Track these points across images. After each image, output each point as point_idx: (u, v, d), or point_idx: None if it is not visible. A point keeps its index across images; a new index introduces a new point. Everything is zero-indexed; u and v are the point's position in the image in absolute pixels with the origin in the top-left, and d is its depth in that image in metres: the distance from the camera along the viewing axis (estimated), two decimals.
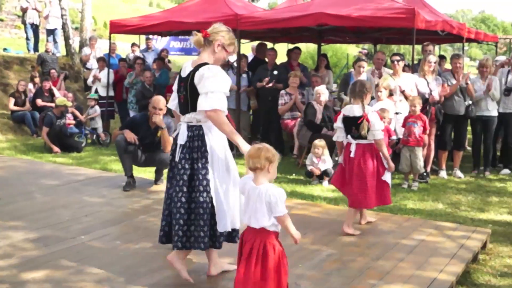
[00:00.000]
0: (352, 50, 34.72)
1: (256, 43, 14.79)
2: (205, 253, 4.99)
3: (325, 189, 8.98)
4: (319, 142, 9.37)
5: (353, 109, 6.31)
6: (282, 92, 11.18)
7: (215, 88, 4.56)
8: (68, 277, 4.92)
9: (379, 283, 4.91)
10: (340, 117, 6.46)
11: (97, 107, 13.41)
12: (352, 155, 6.31)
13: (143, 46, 17.68)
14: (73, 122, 12.67)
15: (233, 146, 5.04)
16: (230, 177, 4.85)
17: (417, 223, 6.84)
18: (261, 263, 3.94)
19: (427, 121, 9.22)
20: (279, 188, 4.05)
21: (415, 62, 11.42)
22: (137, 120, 8.52)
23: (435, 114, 9.83)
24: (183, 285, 4.80)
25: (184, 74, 4.77)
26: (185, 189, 4.67)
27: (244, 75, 12.16)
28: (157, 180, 8.68)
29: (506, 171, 10.62)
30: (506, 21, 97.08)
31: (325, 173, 9.21)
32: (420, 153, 9.16)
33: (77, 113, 12.98)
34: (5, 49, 19.24)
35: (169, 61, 16.22)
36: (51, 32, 19.35)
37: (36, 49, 19.36)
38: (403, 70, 10.04)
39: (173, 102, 5.01)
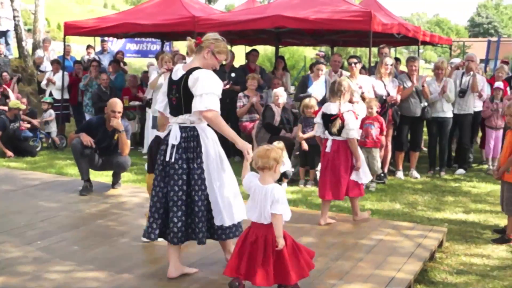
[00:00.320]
0: (310, 52, 34.90)
1: None
2: (220, 245, 5.30)
3: (285, 191, 8.98)
4: (278, 144, 9.35)
5: (330, 107, 6.73)
6: (240, 94, 11.17)
7: (210, 90, 4.73)
8: (25, 283, 4.82)
9: (338, 283, 4.94)
10: (319, 113, 6.89)
11: (51, 111, 13.17)
12: (327, 150, 6.77)
13: (98, 48, 17.49)
14: (28, 125, 12.45)
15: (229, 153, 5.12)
16: (225, 174, 5.04)
17: (375, 223, 6.90)
18: (273, 253, 4.39)
19: (384, 123, 9.32)
20: (281, 189, 4.50)
21: (372, 64, 11.54)
22: (93, 123, 8.40)
23: (392, 115, 9.95)
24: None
25: (175, 77, 4.91)
26: (185, 188, 4.86)
27: None
28: (114, 184, 8.57)
29: (461, 171, 10.80)
30: (459, 24, 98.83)
31: (284, 175, 9.20)
32: (377, 154, 9.25)
33: (29, 119, 12.67)
34: None
35: (124, 64, 16.05)
36: (3, 34, 19.02)
37: None
38: (360, 73, 10.13)
39: (162, 104, 5.11)
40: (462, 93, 10.67)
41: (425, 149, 11.91)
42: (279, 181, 9.27)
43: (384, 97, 9.81)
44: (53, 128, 13.19)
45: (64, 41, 14.46)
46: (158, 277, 5.03)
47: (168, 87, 5.00)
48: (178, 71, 4.94)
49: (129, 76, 14.14)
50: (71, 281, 4.88)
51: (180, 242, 4.93)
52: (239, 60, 13.30)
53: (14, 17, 18.86)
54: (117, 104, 7.99)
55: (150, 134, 11.75)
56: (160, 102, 5.16)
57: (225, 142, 5.37)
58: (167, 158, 4.90)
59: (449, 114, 10.38)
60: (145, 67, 16.86)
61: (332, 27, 11.19)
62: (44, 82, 13.96)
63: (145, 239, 5.61)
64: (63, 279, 4.92)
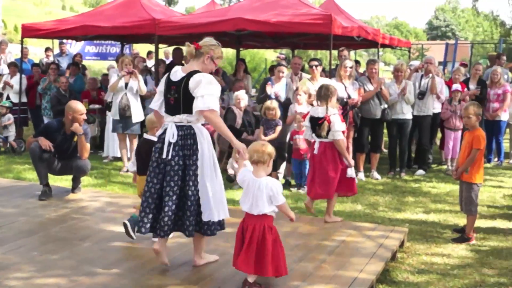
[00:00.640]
0: (270, 55, 35.03)
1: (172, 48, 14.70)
2: (192, 241, 5.37)
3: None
4: None
5: (317, 111, 6.99)
6: None
7: (211, 92, 4.98)
8: None
9: (302, 284, 4.95)
10: (307, 117, 7.16)
11: (10, 115, 12.91)
12: (315, 151, 7.01)
13: (56, 50, 17.26)
14: None
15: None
16: (216, 172, 5.25)
17: (338, 224, 6.93)
18: (261, 243, 4.69)
19: (345, 125, 9.37)
20: (277, 181, 4.86)
21: (333, 67, 11.62)
22: (52, 126, 8.25)
23: (352, 117, 10.02)
24: None
25: (175, 78, 5.13)
26: (179, 183, 5.06)
27: None
28: (74, 188, 8.43)
29: (420, 172, 10.94)
30: (418, 27, 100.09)
31: None
32: None
33: None
34: None
35: (84, 67, 15.85)
36: None
37: None
38: (320, 75, 10.19)
39: (157, 103, 5.32)
40: (421, 95, 10.81)
41: (385, 150, 12.04)
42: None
43: (345, 99, 9.88)
44: (11, 132, 12.93)
45: (22, 44, 14.21)
46: (121, 281, 4.98)
47: (167, 87, 5.18)
48: (177, 73, 5.15)
49: (88, 79, 13.97)
50: None
51: (166, 235, 5.11)
52: None
53: None
54: (79, 105, 7.95)
55: (110, 138, 11.65)
56: (155, 101, 5.35)
57: None
58: (164, 156, 5.07)
59: (409, 116, 10.51)
60: (104, 69, 16.73)
61: (293, 30, 11.23)
62: (0, 86, 13.70)
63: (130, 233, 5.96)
64: (23, 286, 4.82)
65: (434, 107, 11.12)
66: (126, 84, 10.47)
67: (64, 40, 16.67)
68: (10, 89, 13.35)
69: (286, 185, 9.47)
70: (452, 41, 31.43)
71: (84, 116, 8.02)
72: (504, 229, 7.41)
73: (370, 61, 10.69)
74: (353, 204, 8.48)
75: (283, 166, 9.69)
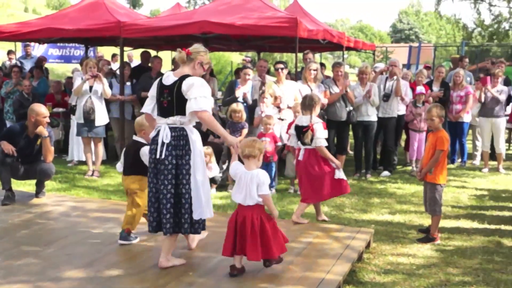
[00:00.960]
0: (236, 58, 35.05)
1: (139, 51, 14.59)
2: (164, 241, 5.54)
3: (213, 196, 8.96)
4: (206, 150, 9.32)
5: (302, 119, 7.25)
6: None
7: (203, 94, 5.28)
8: None
9: (269, 286, 4.96)
10: (293, 126, 7.42)
11: None
12: (300, 158, 7.25)
13: (19, 53, 17.02)
14: None
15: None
16: (205, 172, 5.54)
17: (304, 226, 6.96)
18: (262, 231, 5.08)
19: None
20: (266, 173, 5.23)
21: (298, 69, 11.66)
22: (15, 130, 8.13)
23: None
24: None
25: (167, 82, 5.40)
26: (173, 182, 5.31)
27: (128, 83, 11.95)
28: (38, 193, 8.32)
29: (386, 173, 11.04)
30: (382, 30, 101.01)
31: (212, 180, 9.18)
32: None
33: None
34: None
35: (46, 70, 15.66)
36: None
37: None
38: (286, 78, 10.23)
39: (149, 106, 5.58)
40: (386, 97, 10.92)
41: (351, 152, 12.12)
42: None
43: None
44: None
45: None
46: (87, 285, 4.94)
47: (159, 91, 5.44)
48: (170, 77, 5.43)
49: (52, 82, 13.81)
50: None
51: (169, 232, 5.34)
52: (166, 66, 13.20)
53: None
54: (43, 108, 7.87)
55: (74, 142, 11.53)
56: (147, 105, 5.60)
57: None
58: (158, 156, 5.32)
59: (374, 118, 10.61)
60: (68, 72, 16.55)
61: (259, 33, 11.26)
62: None
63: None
64: None
65: (398, 109, 11.24)
66: (91, 87, 10.40)
67: (28, 43, 16.46)
68: None
69: None
70: (415, 44, 31.83)
71: (48, 119, 7.94)
72: (468, 228, 7.51)
73: (336, 64, 10.77)
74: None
75: None
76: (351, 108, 10.34)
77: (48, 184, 8.86)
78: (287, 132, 9.27)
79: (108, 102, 11.01)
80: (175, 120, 5.34)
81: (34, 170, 8.11)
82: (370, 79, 10.71)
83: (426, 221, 7.58)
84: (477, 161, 12.46)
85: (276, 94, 9.63)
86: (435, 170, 6.82)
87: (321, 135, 7.11)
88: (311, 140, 7.11)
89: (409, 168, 11.60)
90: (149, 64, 12.86)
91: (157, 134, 5.39)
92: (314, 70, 10.14)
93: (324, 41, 12.31)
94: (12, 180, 8.09)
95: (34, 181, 8.38)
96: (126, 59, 14.76)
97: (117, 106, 11.70)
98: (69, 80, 13.38)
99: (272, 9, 11.66)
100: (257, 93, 10.21)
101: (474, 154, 12.64)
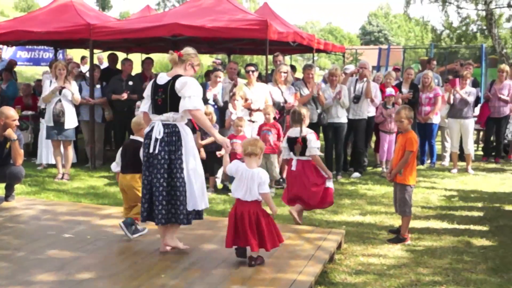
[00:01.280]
0: (206, 60, 34.96)
1: (107, 53, 14.51)
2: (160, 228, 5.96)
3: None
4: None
5: (294, 132, 7.38)
6: (138, 103, 11.01)
7: (196, 93, 5.70)
8: None
9: None
10: (285, 138, 7.58)
11: None
12: (293, 168, 7.35)
13: None
14: None
15: None
16: (198, 166, 5.92)
17: None
18: (256, 224, 5.44)
19: (281, 129, 9.47)
20: (266, 172, 5.56)
21: (269, 72, 11.70)
22: None
23: (289, 122, 10.10)
24: None
25: (161, 82, 5.82)
26: (166, 176, 5.69)
27: (98, 86, 11.88)
28: (7, 196, 8.22)
29: (356, 174, 11.13)
30: (351, 32, 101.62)
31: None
32: (275, 160, 9.38)
33: None
34: None
35: (15, 72, 15.48)
36: None
37: None
38: (257, 80, 10.25)
39: (146, 105, 5.97)
40: (356, 99, 11.01)
41: (321, 154, 12.17)
42: None
43: (281, 104, 9.97)
44: None
45: None
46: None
47: (154, 90, 5.84)
48: (163, 78, 5.86)
49: (22, 85, 13.66)
50: None
51: (160, 223, 5.75)
52: (136, 69, 13.13)
53: None
54: (12, 111, 7.79)
55: (44, 145, 11.43)
56: (144, 104, 6.00)
57: None
58: (151, 150, 5.70)
59: (344, 120, 10.68)
60: (37, 75, 16.39)
61: (229, 35, 11.26)
62: None
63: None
64: None
65: (368, 110, 11.34)
66: (60, 91, 10.33)
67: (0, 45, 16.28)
68: None
69: (224, 190, 9.49)
70: (385, 46, 32.07)
71: (17, 122, 7.88)
72: (437, 229, 7.60)
73: (306, 66, 10.83)
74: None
75: (221, 171, 9.69)
76: (322, 110, 10.40)
77: (18, 187, 8.76)
78: (257, 134, 9.32)
79: (78, 105, 10.93)
80: (168, 116, 5.72)
81: (4, 174, 8.02)
82: (340, 81, 10.78)
83: (397, 221, 7.66)
84: (446, 162, 12.62)
85: (246, 96, 9.65)
86: (405, 171, 6.88)
87: (314, 144, 7.25)
88: (301, 151, 7.25)
89: (379, 169, 11.70)
90: (117, 66, 12.84)
91: (151, 130, 5.76)
92: (285, 72, 10.17)
93: (294, 43, 12.36)
94: None
95: (3, 185, 8.29)
96: (96, 61, 14.69)
97: (87, 109, 11.62)
98: (39, 83, 13.27)
99: (242, 12, 11.69)
100: (227, 95, 10.22)
101: (443, 155, 12.80)
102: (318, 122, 10.37)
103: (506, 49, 24.41)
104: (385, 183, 10.24)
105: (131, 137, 6.68)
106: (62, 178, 10.43)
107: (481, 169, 12.25)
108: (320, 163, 7.32)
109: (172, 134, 5.72)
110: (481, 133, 14.74)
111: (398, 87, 12.04)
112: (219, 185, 9.69)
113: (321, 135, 10.97)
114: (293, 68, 14.07)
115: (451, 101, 11.79)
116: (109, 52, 14.26)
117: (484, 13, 25.00)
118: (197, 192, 5.81)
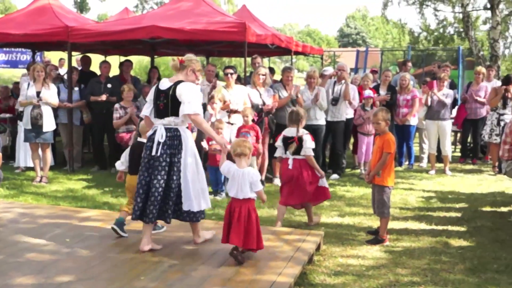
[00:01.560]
0: None
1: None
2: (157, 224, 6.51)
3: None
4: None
5: (290, 131, 7.63)
6: (117, 105, 10.98)
7: (195, 98, 5.97)
8: None
9: None
10: (280, 138, 7.76)
11: None
12: (289, 167, 7.55)
13: None
14: None
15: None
16: (198, 169, 6.19)
17: None
18: (247, 221, 5.68)
19: (260, 131, 9.49)
20: (256, 170, 6.09)
21: (247, 74, 11.72)
22: None
23: (268, 124, 10.15)
24: None
25: (163, 87, 6.06)
26: (165, 177, 5.96)
27: (76, 89, 11.82)
28: None
29: (335, 176, 11.18)
30: (329, 34, 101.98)
31: None
32: (254, 162, 9.40)
33: None
34: None
35: None
36: None
37: None
38: (235, 83, 10.26)
39: (148, 109, 6.20)
40: (334, 101, 11.07)
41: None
42: None
43: (260, 106, 9.99)
44: None
45: None
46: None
47: (156, 95, 6.10)
48: (165, 83, 6.10)
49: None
50: None
51: (150, 221, 6.00)
52: (114, 71, 13.08)
53: None
54: None
55: (22, 148, 11.35)
56: (146, 108, 6.23)
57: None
58: (153, 153, 5.95)
59: (322, 122, 10.73)
60: (15, 78, 16.27)
61: (208, 37, 11.27)
62: None
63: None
64: None
65: (346, 113, 11.41)
66: (38, 93, 10.28)
67: None
68: None
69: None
70: (362, 48, 32.21)
71: None
72: (416, 230, 7.67)
73: (286, 69, 10.85)
74: (270, 209, 8.57)
75: None
76: None
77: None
78: (236, 136, 9.33)
79: (56, 108, 10.87)
80: (170, 120, 5.99)
81: None
82: (318, 83, 10.83)
83: (375, 223, 7.71)
84: (424, 164, 12.73)
85: (225, 98, 9.66)
86: (383, 172, 6.93)
87: (310, 145, 7.51)
88: (296, 150, 7.48)
89: (358, 171, 11.77)
90: (90, 69, 12.82)
91: (154, 133, 6.03)
92: (263, 74, 10.20)
93: (273, 45, 12.40)
94: None
95: None
96: (74, 64, 14.62)
97: (65, 112, 11.57)
98: (16, 85, 13.20)
99: (221, 14, 11.70)
100: (206, 97, 10.22)
101: (421, 156, 12.90)
102: None
103: (482, 51, 24.65)
104: (363, 184, 10.29)
105: (138, 139, 6.89)
106: (40, 181, 10.38)
107: (458, 170, 12.38)
108: (313, 163, 7.57)
109: (174, 138, 5.98)
110: (458, 134, 14.88)
111: (376, 89, 12.13)
112: None
113: None
114: (272, 71, 14.09)
115: (429, 103, 11.90)
116: (82, 54, 14.20)
117: (461, 16, 25.26)
118: (193, 193, 6.04)
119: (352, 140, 12.71)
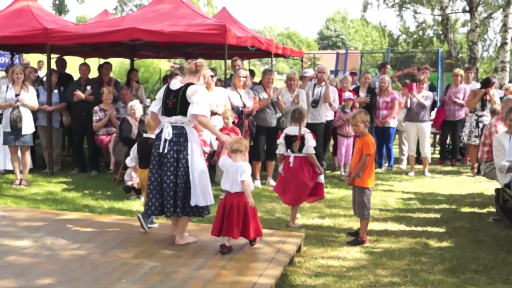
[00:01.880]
0: (164, 65, 34.82)
1: (67, 58, 14.34)
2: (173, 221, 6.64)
3: (144, 203, 8.90)
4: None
5: (293, 130, 7.87)
6: (96, 108, 10.96)
7: (204, 100, 6.30)
8: None
9: None
10: (282, 135, 7.97)
11: None
12: (291, 165, 7.78)
13: None
14: None
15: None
16: (203, 166, 6.45)
17: None
18: (243, 214, 6.04)
19: (240, 133, 9.50)
20: (249, 165, 6.20)
21: (227, 76, 11.73)
22: None
23: (248, 126, 10.16)
24: None
25: (174, 87, 6.39)
26: (174, 173, 6.25)
27: (55, 91, 11.75)
28: None
29: None
30: (309, 37, 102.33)
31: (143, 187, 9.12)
32: None
33: None
34: None
35: None
36: None
37: None
38: (216, 85, 10.28)
39: (156, 107, 6.52)
40: (315, 103, 11.11)
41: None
42: (139, 194, 9.11)
43: (240, 108, 10.01)
44: None
45: None
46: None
47: (166, 94, 6.41)
48: (176, 84, 6.43)
49: None
50: None
51: (171, 215, 6.38)
52: (94, 73, 13.01)
53: None
54: None
55: (1, 150, 11.26)
56: (155, 105, 6.54)
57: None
58: (161, 150, 6.27)
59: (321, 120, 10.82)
60: None
61: (188, 40, 11.28)
62: None
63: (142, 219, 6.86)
64: None
65: (326, 115, 11.44)
66: (17, 96, 10.21)
67: None
68: None
69: None
70: (342, 51, 32.36)
71: None
72: (395, 231, 7.72)
73: (266, 71, 10.86)
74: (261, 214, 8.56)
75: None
76: (281, 114, 10.47)
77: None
78: (216, 139, 9.35)
79: (35, 111, 10.80)
80: (177, 119, 6.29)
81: None
82: (298, 85, 10.86)
83: (355, 224, 7.75)
84: (403, 165, 12.80)
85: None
86: (363, 174, 6.98)
87: (312, 143, 7.75)
88: (300, 148, 7.70)
89: (338, 172, 11.82)
90: (65, 71, 12.79)
91: (161, 132, 6.33)
92: (244, 77, 10.23)
93: (253, 48, 12.43)
94: None
95: None
96: (53, 66, 14.53)
97: (44, 114, 11.49)
98: None
99: (201, 16, 11.70)
100: None
101: (400, 158, 12.98)
102: (277, 126, 10.42)
103: (461, 54, 24.82)
104: (343, 186, 10.34)
105: (144, 134, 7.31)
106: (20, 184, 10.31)
107: (437, 172, 12.48)
108: (314, 160, 7.80)
109: (179, 135, 6.26)
110: (438, 136, 14.99)
111: (355, 91, 12.19)
112: None
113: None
114: (252, 73, 14.11)
115: (408, 105, 11.99)
116: (69, 56, 14.12)
117: (440, 18, 25.42)
118: (199, 189, 6.27)
119: (332, 142, 12.75)
